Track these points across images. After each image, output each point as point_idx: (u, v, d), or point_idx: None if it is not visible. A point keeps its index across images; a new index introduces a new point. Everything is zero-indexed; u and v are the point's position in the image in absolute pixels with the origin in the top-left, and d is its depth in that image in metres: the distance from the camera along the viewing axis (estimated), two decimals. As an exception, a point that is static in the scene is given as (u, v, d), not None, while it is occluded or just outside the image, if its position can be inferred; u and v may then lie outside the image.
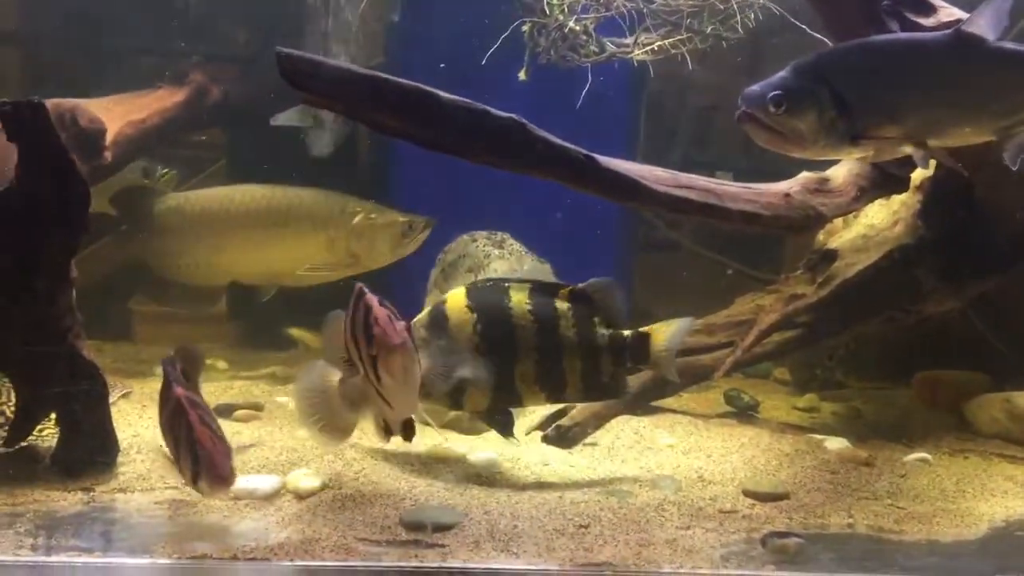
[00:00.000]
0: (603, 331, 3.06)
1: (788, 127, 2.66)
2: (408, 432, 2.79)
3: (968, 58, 2.67)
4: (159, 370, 4.18)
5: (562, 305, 3.05)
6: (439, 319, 2.99)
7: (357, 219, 4.38)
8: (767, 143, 2.72)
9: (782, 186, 3.13)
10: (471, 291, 3.08)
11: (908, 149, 2.78)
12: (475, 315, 2.99)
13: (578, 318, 3.04)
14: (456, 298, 3.05)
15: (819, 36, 3.88)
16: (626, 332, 3.09)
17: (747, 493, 3.11)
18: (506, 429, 3.12)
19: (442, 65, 4.23)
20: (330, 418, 2.87)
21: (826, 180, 3.19)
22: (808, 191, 3.13)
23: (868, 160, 3.12)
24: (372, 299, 2.55)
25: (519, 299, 3.03)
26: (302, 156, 4.72)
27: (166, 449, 2.82)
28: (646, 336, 3.08)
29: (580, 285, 3.11)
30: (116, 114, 4.19)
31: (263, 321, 4.93)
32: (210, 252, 4.54)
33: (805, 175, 3.19)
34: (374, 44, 4.94)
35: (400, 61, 4.84)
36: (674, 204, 2.80)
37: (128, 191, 4.57)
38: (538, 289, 3.07)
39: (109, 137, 3.92)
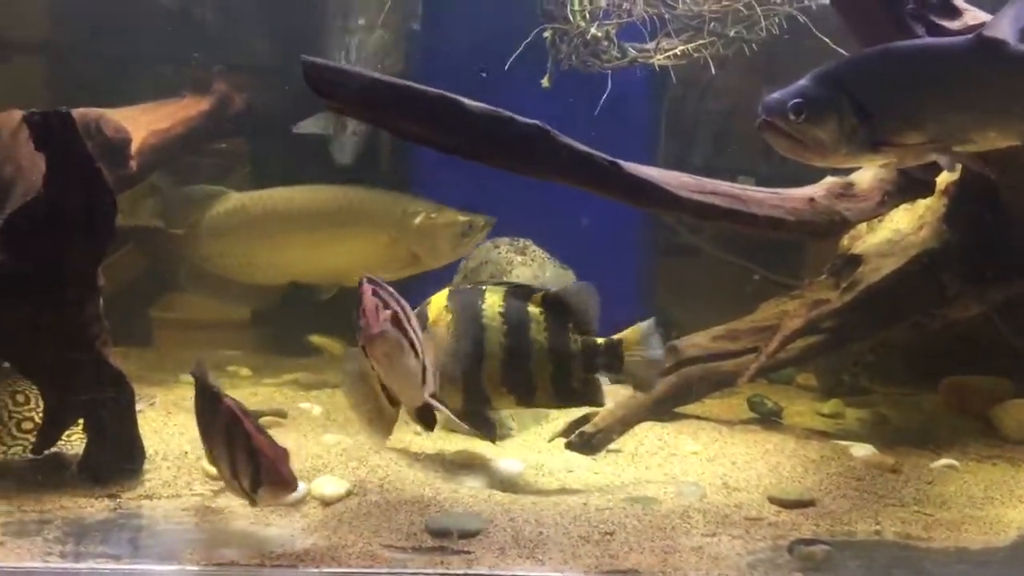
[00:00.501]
0: (574, 337, 3.06)
1: (809, 135, 2.65)
2: (424, 421, 2.76)
3: (991, 62, 2.65)
4: (183, 377, 4.29)
5: (534, 309, 3.08)
6: (421, 319, 3.02)
7: (418, 219, 4.38)
8: (788, 152, 2.71)
9: (807, 191, 3.11)
10: (453, 293, 3.14)
11: (932, 155, 2.77)
12: (451, 316, 3.02)
13: (550, 323, 3.05)
14: (438, 299, 3.11)
15: (824, 38, 3.90)
16: (599, 339, 3.09)
17: (773, 500, 3.09)
18: (486, 431, 3.13)
19: (463, 72, 4.25)
20: (372, 406, 2.87)
21: (851, 185, 3.17)
22: (833, 196, 3.12)
23: (892, 167, 3.10)
24: (367, 289, 2.55)
25: (492, 301, 3.07)
26: (325, 164, 4.74)
27: (208, 461, 2.81)
28: (618, 343, 3.08)
29: (555, 290, 3.14)
30: (141, 123, 4.22)
31: (286, 328, 4.96)
32: (271, 252, 4.56)
33: (830, 180, 3.17)
34: (394, 52, 4.96)
35: (420, 69, 4.86)
36: (699, 210, 2.79)
37: (187, 193, 4.60)
38: (514, 293, 3.11)
39: (134, 146, 3.95)
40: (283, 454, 2.56)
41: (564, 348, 3.05)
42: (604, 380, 4.08)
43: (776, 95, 2.67)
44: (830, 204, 3.09)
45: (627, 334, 3.11)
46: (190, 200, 4.59)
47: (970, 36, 2.69)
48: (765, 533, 2.84)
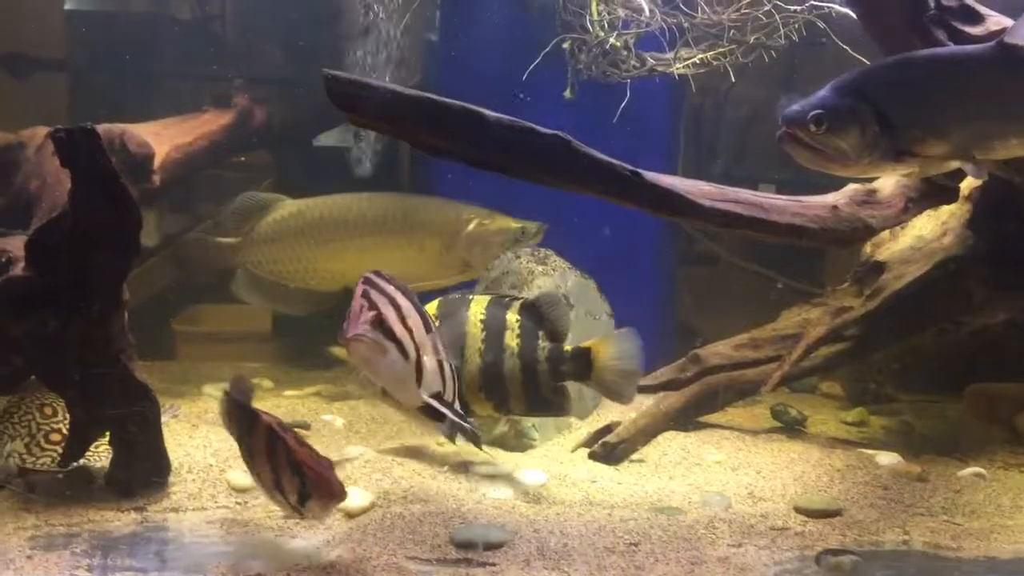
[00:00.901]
0: (543, 344, 3.08)
1: (830, 146, 2.64)
2: (430, 415, 2.71)
3: (1012, 69, 2.63)
4: (207, 389, 4.31)
5: (512, 317, 3.11)
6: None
7: (470, 226, 4.38)
8: (809, 162, 2.71)
9: (829, 198, 3.10)
10: (442, 300, 3.20)
11: (954, 164, 2.76)
12: (438, 322, 3.03)
13: (523, 331, 3.08)
14: (430, 306, 3.15)
15: (844, 46, 3.89)
16: (567, 347, 3.09)
17: (799, 510, 3.08)
18: (471, 438, 3.13)
19: (480, 82, 4.26)
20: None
21: (874, 192, 3.15)
22: (856, 203, 3.10)
23: (914, 176, 3.09)
24: (360, 288, 2.53)
25: (476, 310, 3.13)
26: (346, 176, 4.76)
27: (251, 477, 2.76)
28: (585, 351, 3.07)
29: (531, 299, 3.17)
30: (164, 138, 4.25)
31: (307, 340, 4.97)
32: (326, 258, 4.55)
33: (852, 187, 3.15)
34: (412, 63, 4.98)
35: (437, 80, 4.88)
36: (721, 218, 2.78)
37: (244, 201, 4.62)
38: (497, 302, 3.16)
39: (157, 161, 3.98)
40: (328, 465, 2.56)
41: (532, 355, 3.07)
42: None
43: (796, 106, 2.66)
44: (853, 211, 3.07)
45: (598, 342, 3.09)
46: (245, 208, 4.59)
47: (991, 44, 2.67)
48: (792, 543, 2.83)
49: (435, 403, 2.59)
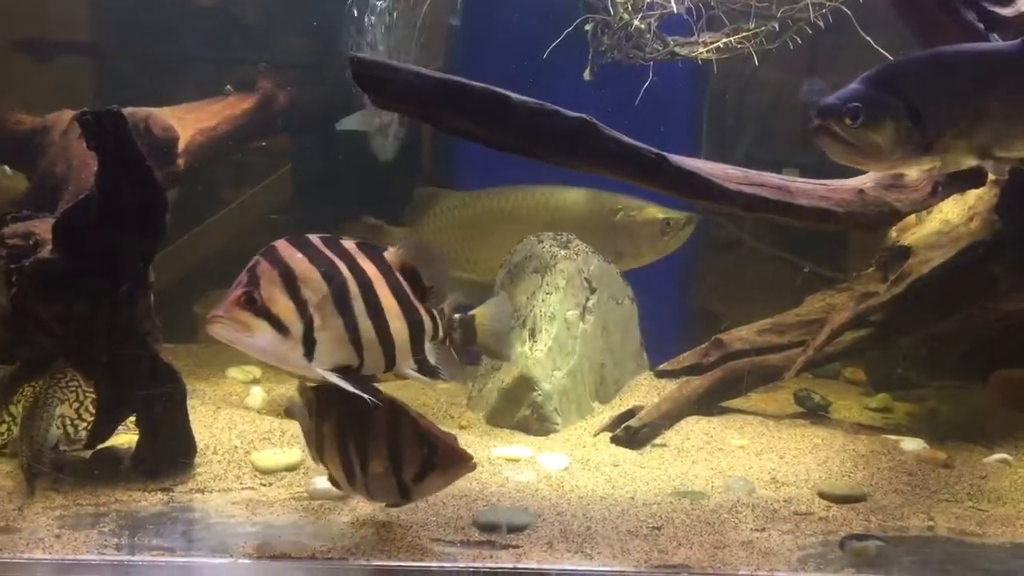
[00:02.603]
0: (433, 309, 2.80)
1: (865, 140, 2.63)
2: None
3: None
4: (231, 372, 4.33)
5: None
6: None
7: (618, 216, 4.36)
8: (841, 156, 2.69)
9: (855, 182, 3.07)
10: None
11: (974, 161, 2.75)
12: None
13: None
14: None
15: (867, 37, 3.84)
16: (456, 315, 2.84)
17: (822, 495, 3.07)
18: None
19: (504, 66, 4.24)
20: None
21: (901, 175, 3.12)
22: (882, 187, 3.07)
23: (936, 171, 3.06)
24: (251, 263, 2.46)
25: None
26: (368, 160, 4.76)
27: (326, 466, 2.69)
28: (471, 318, 2.83)
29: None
30: (188, 122, 4.26)
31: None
32: (486, 249, 4.53)
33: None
34: (433, 47, 4.96)
35: (459, 63, 4.86)
36: (747, 202, 2.76)
37: (420, 193, 4.64)
38: None
39: (181, 145, 4.00)
40: (452, 437, 2.60)
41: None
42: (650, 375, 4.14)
43: (831, 98, 2.65)
44: (880, 195, 3.05)
45: (479, 310, 2.85)
46: (421, 200, 4.60)
47: (1018, 41, 2.65)
48: (815, 528, 2.82)
49: (330, 375, 2.46)
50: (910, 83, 2.65)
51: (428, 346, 2.66)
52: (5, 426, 3.21)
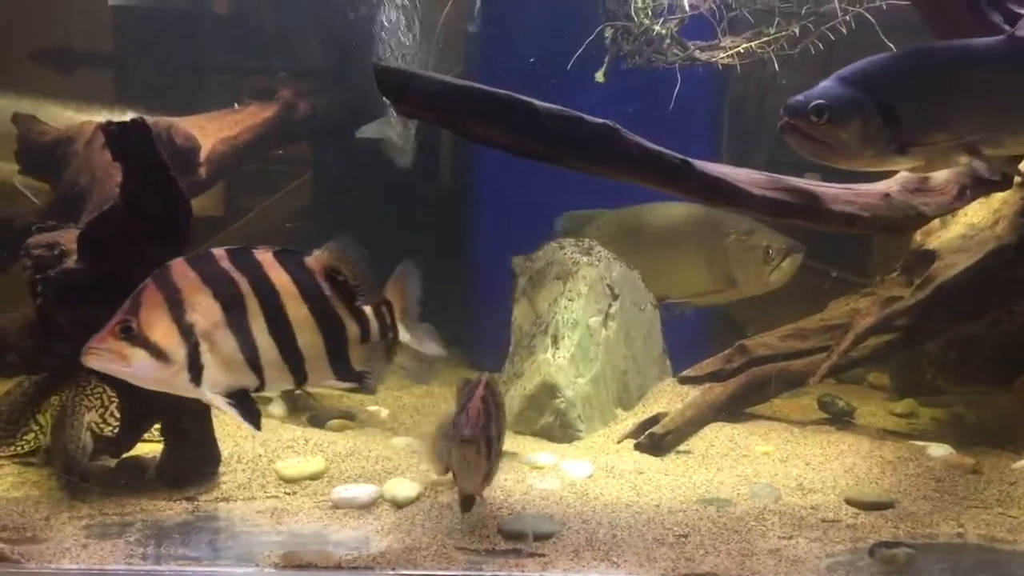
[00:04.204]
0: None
1: (832, 137, 2.64)
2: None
3: (1022, 63, 2.59)
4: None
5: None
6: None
7: (728, 240, 4.12)
8: (810, 154, 2.71)
9: (881, 186, 3.04)
10: None
11: (963, 160, 2.72)
12: None
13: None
14: None
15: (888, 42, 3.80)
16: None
17: (850, 502, 3.04)
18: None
19: (524, 71, 4.24)
20: None
21: (926, 179, 3.09)
22: (908, 191, 3.04)
23: (919, 171, 3.04)
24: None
25: None
26: (385, 168, 4.77)
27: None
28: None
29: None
30: (209, 131, 4.29)
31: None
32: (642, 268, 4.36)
33: (904, 174, 3.09)
34: (453, 54, 4.97)
35: (479, 70, 4.87)
36: (772, 207, 2.74)
37: (570, 216, 4.49)
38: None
39: (203, 154, 4.02)
40: None
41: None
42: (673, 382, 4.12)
43: (799, 96, 2.67)
44: (906, 199, 3.02)
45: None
46: (574, 222, 4.43)
47: (1002, 37, 2.64)
48: (844, 535, 2.80)
49: (217, 400, 2.36)
50: (885, 81, 2.65)
51: (363, 349, 2.54)
52: (33, 435, 3.23)
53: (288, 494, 3.01)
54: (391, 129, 4.86)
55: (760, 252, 4.02)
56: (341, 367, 2.50)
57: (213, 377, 2.35)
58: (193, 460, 3.06)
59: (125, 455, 3.14)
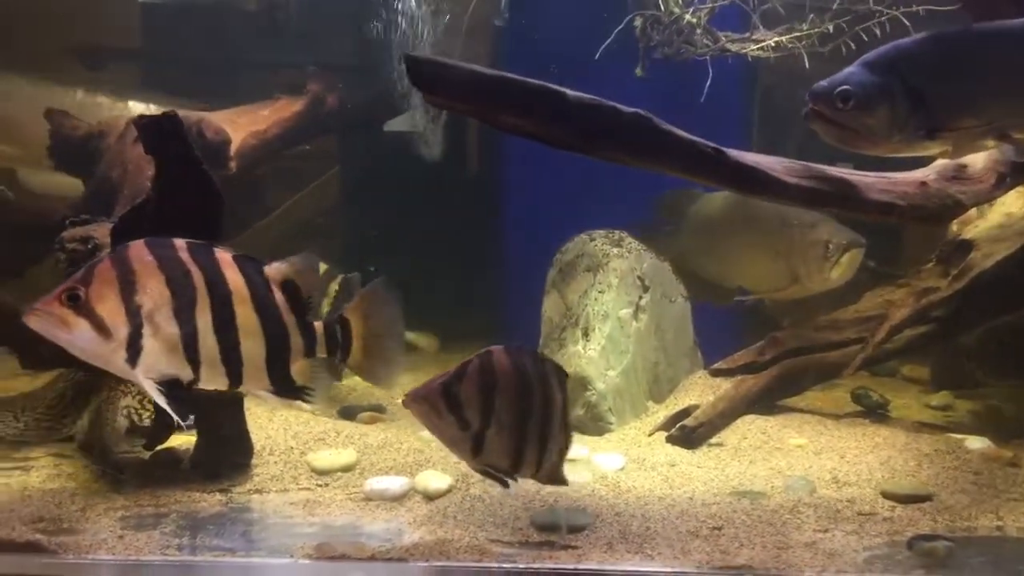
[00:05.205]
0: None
1: (858, 123, 2.61)
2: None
3: None
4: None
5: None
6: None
7: (791, 232, 3.96)
8: (836, 141, 2.67)
9: (917, 174, 3.00)
10: None
11: (991, 143, 2.67)
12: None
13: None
14: None
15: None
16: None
17: (886, 495, 3.00)
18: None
19: (551, 65, 4.21)
20: None
21: (964, 167, 3.04)
22: (945, 179, 2.99)
23: (948, 156, 2.99)
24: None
25: None
26: (414, 161, 4.77)
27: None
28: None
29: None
30: (239, 125, 4.30)
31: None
32: (713, 254, 4.37)
33: (941, 162, 3.04)
34: (481, 45, 4.96)
35: (506, 62, 4.85)
36: (808, 196, 2.71)
37: (674, 194, 4.45)
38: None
39: (233, 148, 4.03)
40: None
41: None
42: (704, 374, 4.09)
43: (824, 82, 2.63)
44: (942, 187, 2.97)
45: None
46: (671, 201, 4.41)
47: None
48: (880, 529, 2.76)
49: (149, 385, 2.30)
50: (912, 65, 2.61)
51: (303, 363, 2.48)
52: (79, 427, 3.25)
53: (320, 486, 3.03)
54: (419, 122, 4.85)
55: (820, 247, 3.86)
56: (280, 379, 2.45)
57: (149, 362, 2.30)
58: (227, 452, 3.08)
59: (159, 447, 3.16)
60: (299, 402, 2.51)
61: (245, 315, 2.37)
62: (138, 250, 2.31)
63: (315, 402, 2.53)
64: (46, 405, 3.22)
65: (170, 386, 2.34)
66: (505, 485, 2.50)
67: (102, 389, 3.21)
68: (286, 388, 2.46)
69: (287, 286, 2.44)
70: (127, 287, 2.26)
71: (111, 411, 3.11)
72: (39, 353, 3.15)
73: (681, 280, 4.24)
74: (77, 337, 2.24)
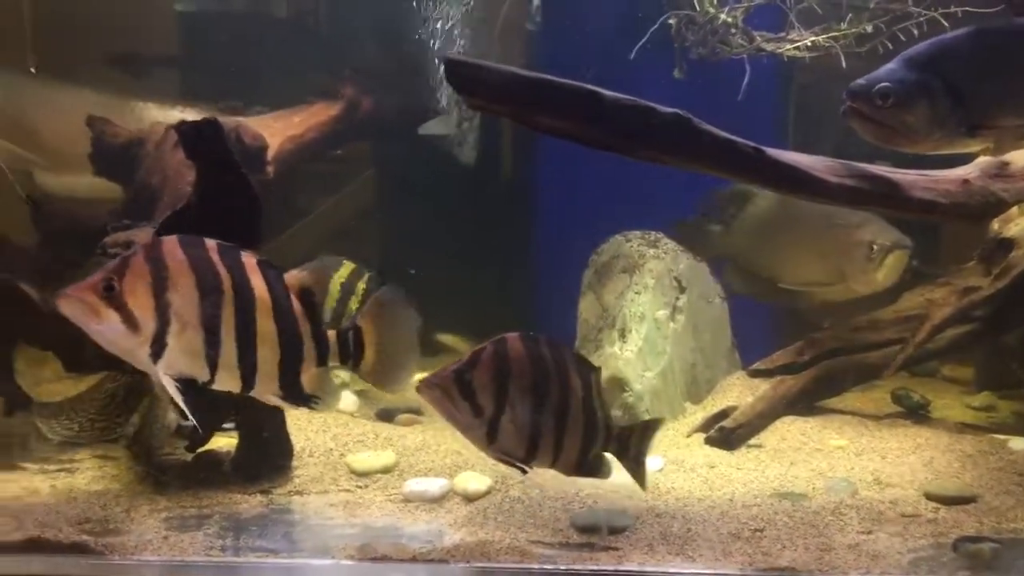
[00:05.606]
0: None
1: (897, 121, 2.59)
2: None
3: None
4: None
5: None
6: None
7: (836, 232, 3.89)
8: (875, 138, 2.65)
9: (959, 172, 2.96)
10: None
11: None
12: None
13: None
14: None
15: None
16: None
17: (930, 496, 2.97)
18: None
19: (585, 67, 4.20)
20: None
21: (1006, 164, 3.00)
22: (987, 176, 2.95)
23: (988, 153, 2.96)
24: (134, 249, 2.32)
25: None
26: (448, 164, 4.78)
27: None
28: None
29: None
30: (276, 130, 4.34)
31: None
32: (765, 252, 4.29)
33: (983, 159, 3.01)
34: (514, 48, 4.96)
35: (540, 68, 4.84)
36: (849, 195, 2.69)
37: (730, 191, 4.39)
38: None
39: (271, 152, 4.06)
40: None
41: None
42: (742, 375, 4.07)
43: (862, 80, 2.62)
44: (985, 184, 2.93)
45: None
46: (728, 197, 4.34)
47: None
48: (925, 530, 2.73)
49: (169, 384, 2.30)
50: (952, 61, 2.60)
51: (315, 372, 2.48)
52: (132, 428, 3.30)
53: (360, 487, 3.04)
54: (453, 125, 4.87)
55: (864, 248, 3.78)
56: (290, 387, 2.46)
57: (171, 360, 2.30)
58: (267, 454, 3.10)
59: (201, 449, 3.19)
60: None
61: (264, 323, 2.37)
62: (171, 247, 2.32)
63: (322, 410, 2.54)
64: (98, 406, 3.26)
65: (185, 384, 2.34)
66: (523, 472, 2.52)
67: (152, 388, 3.25)
68: (294, 395, 2.48)
69: (304, 294, 2.44)
70: (159, 283, 2.27)
71: (160, 408, 3.14)
72: (82, 356, 3.20)
73: (736, 277, 4.21)
74: (106, 328, 2.24)
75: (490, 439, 2.44)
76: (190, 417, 2.37)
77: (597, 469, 2.60)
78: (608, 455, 2.61)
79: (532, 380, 2.46)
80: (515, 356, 2.45)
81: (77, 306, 2.22)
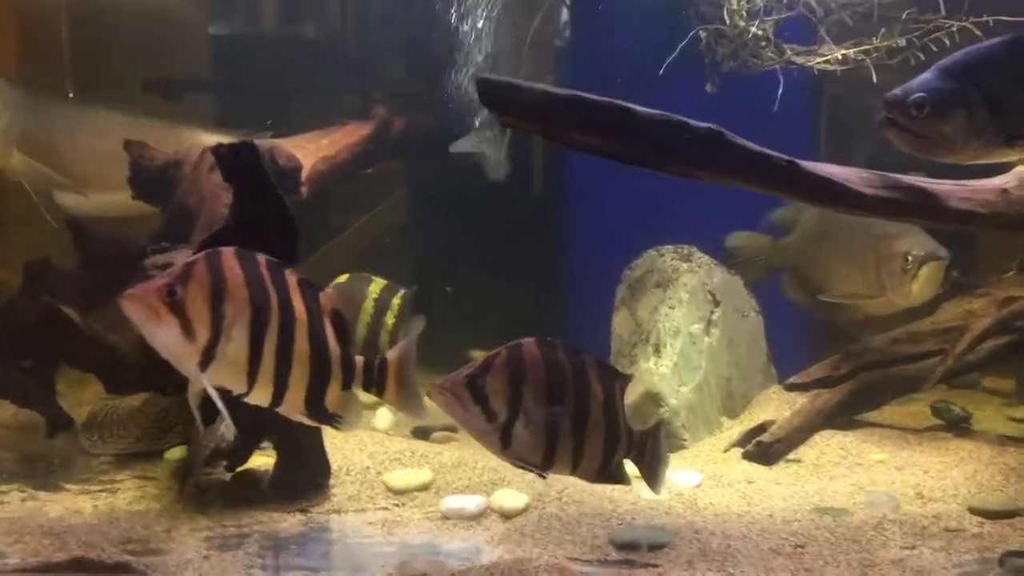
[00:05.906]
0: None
1: (934, 131, 2.56)
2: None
3: None
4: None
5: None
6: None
7: (875, 243, 3.79)
8: (911, 148, 2.63)
9: (997, 181, 2.93)
10: None
11: None
12: None
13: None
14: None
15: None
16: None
17: (973, 510, 2.94)
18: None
19: (615, 84, 4.21)
20: None
21: (1047, 172, 2.97)
22: (1027, 185, 2.92)
23: None
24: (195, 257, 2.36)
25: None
26: (480, 181, 4.79)
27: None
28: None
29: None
30: (309, 151, 4.37)
31: (444, 340, 5.01)
32: (817, 265, 4.21)
33: (1021, 168, 2.97)
34: (542, 65, 4.97)
35: (568, 83, 4.86)
36: (885, 207, 2.66)
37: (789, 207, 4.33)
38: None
39: (304, 173, 4.10)
40: None
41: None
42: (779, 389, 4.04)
43: (898, 90, 2.60)
44: (1024, 194, 2.90)
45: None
46: (792, 211, 4.25)
47: None
48: (970, 545, 2.70)
49: (214, 394, 2.32)
50: (988, 71, 2.57)
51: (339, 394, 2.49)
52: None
53: (397, 505, 3.05)
54: (484, 142, 4.88)
55: (899, 259, 3.68)
56: (315, 405, 2.48)
57: (216, 371, 2.33)
58: (305, 473, 3.11)
59: (240, 468, 3.22)
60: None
61: (300, 342, 2.40)
62: (229, 259, 2.37)
63: (344, 429, 2.55)
64: (152, 419, 3.31)
65: (222, 395, 2.37)
66: (542, 477, 2.52)
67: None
68: (319, 414, 2.50)
69: (335, 316, 2.47)
70: (217, 295, 2.31)
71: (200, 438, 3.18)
72: (122, 377, 3.24)
73: (793, 289, 4.16)
74: (163, 333, 2.27)
75: (504, 444, 2.42)
76: (230, 425, 2.40)
77: (620, 477, 2.58)
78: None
79: (547, 385, 2.43)
80: (530, 360, 2.43)
81: (140, 308, 2.26)
